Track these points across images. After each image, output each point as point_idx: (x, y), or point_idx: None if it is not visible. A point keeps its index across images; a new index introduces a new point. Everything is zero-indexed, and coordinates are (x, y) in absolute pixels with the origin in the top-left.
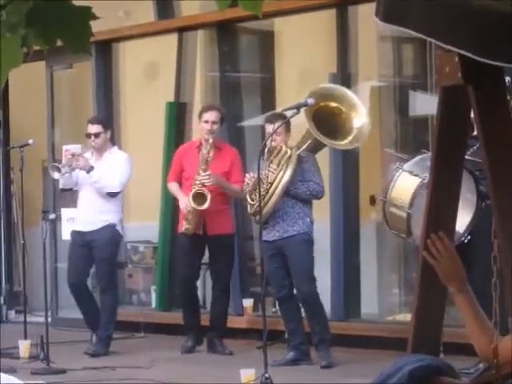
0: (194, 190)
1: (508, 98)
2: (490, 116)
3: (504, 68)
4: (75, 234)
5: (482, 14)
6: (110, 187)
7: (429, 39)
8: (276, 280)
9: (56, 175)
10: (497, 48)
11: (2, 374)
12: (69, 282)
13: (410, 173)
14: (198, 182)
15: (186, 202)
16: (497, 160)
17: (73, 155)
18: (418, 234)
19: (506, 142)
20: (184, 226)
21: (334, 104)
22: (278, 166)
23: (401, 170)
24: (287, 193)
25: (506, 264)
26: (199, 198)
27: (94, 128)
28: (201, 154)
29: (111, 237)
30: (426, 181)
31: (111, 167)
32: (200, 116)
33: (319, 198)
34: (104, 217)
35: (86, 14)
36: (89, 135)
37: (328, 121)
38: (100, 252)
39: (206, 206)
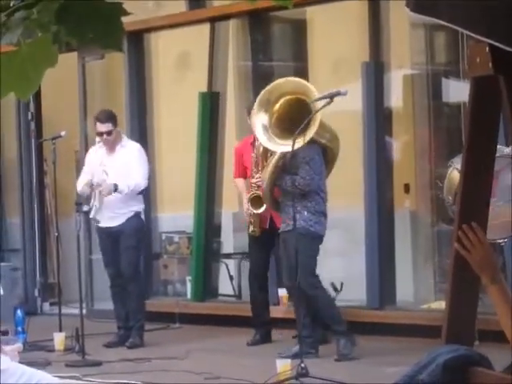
0: (249, 195)
1: None
2: None
3: None
4: (101, 229)
5: None
6: (138, 188)
7: (459, 29)
8: (283, 270)
9: (85, 207)
10: None
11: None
12: (109, 274)
13: (457, 169)
14: (253, 185)
15: (245, 206)
16: None
17: (92, 187)
18: None
19: None
20: (250, 229)
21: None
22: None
23: (452, 167)
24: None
25: None
26: (257, 200)
27: (104, 127)
28: (252, 156)
29: (137, 225)
30: None
31: (128, 161)
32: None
33: (307, 191)
34: (129, 208)
35: (118, 9)
36: (100, 134)
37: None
38: (127, 241)
39: (262, 209)
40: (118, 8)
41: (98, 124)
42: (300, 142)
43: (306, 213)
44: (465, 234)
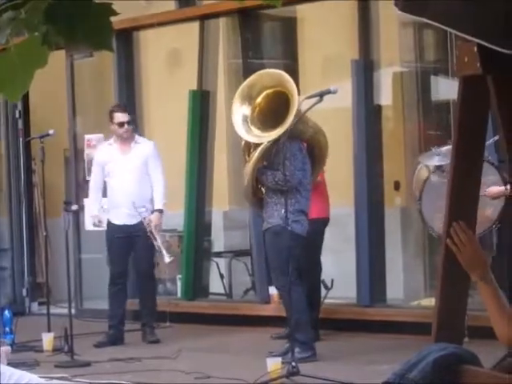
0: None
1: None
2: (508, 105)
3: None
4: (116, 227)
5: (501, 4)
6: (164, 189)
7: (448, 29)
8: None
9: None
10: None
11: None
12: (113, 272)
13: (426, 167)
14: None
15: None
16: None
17: (152, 227)
18: (433, 224)
19: None
20: None
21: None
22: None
23: (421, 164)
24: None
25: None
26: None
27: (126, 116)
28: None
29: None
30: (431, 174)
31: (145, 159)
32: None
33: (288, 188)
34: (145, 206)
35: (107, 9)
36: (121, 124)
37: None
38: (145, 241)
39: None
40: (107, 8)
41: (119, 114)
42: (279, 132)
43: (283, 211)
44: (455, 231)
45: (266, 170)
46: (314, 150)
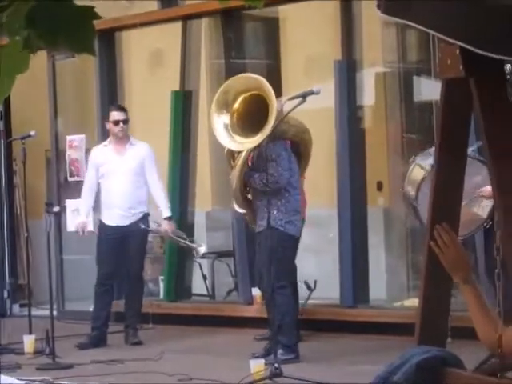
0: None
1: (509, 89)
2: (491, 108)
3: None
4: (108, 228)
5: (483, 7)
6: (164, 193)
7: (431, 32)
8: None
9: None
10: (498, 41)
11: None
12: (101, 273)
13: (420, 166)
14: None
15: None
16: (499, 152)
17: (170, 234)
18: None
19: (507, 134)
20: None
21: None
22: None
23: (414, 163)
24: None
25: (508, 255)
26: None
27: (122, 114)
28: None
29: (145, 227)
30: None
31: (141, 161)
32: None
33: (276, 188)
34: (139, 208)
35: (89, 13)
36: (117, 122)
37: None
38: (137, 243)
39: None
40: (89, 11)
41: (115, 112)
42: (261, 138)
43: (275, 212)
44: (438, 233)
45: (252, 172)
46: (299, 147)
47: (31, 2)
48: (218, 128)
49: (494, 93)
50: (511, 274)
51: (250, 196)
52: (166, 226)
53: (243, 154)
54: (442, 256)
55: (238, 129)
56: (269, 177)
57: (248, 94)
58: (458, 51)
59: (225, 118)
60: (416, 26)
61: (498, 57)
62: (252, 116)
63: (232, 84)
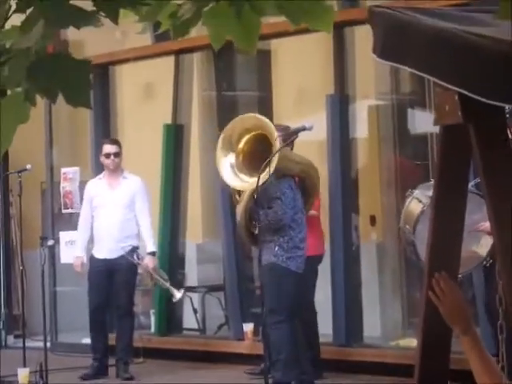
0: None
1: (509, 135)
2: (490, 155)
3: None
4: (97, 261)
5: (482, 52)
6: (151, 230)
7: (428, 77)
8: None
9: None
10: (497, 87)
11: None
12: (92, 306)
13: (417, 199)
14: None
15: None
16: (499, 199)
17: (150, 271)
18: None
19: (507, 181)
20: None
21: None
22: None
23: (411, 197)
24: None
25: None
26: None
27: (114, 148)
28: None
29: (132, 259)
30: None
31: (133, 195)
32: None
33: (279, 226)
34: (128, 242)
35: (86, 66)
36: (108, 155)
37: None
38: (125, 276)
39: None
40: (86, 65)
41: (107, 146)
42: (264, 177)
43: (276, 248)
44: (437, 282)
45: (257, 209)
46: (305, 181)
47: (32, 57)
48: (225, 169)
49: (494, 138)
50: None
51: (255, 231)
52: (148, 261)
53: (248, 190)
54: (441, 306)
55: (244, 168)
56: (273, 214)
57: (251, 134)
58: (456, 97)
59: (231, 159)
60: (413, 71)
61: (497, 103)
62: (257, 156)
63: (234, 125)
